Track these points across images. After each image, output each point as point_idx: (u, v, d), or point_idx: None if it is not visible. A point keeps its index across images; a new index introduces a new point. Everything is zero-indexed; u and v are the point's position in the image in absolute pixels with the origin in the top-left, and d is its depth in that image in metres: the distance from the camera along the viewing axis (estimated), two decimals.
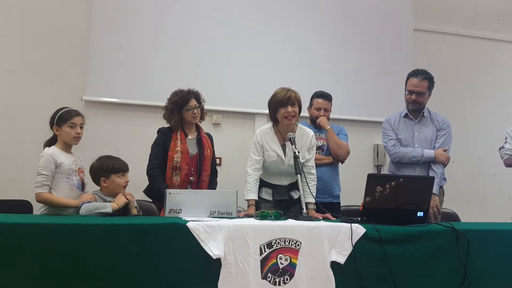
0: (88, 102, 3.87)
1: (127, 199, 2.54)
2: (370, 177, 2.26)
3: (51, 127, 2.75)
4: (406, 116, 3.40)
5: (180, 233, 1.97)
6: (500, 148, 3.65)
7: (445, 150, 3.28)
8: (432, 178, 2.47)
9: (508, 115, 4.09)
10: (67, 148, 2.76)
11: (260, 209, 2.80)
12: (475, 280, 2.20)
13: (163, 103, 3.17)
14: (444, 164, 3.27)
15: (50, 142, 2.76)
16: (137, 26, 4.02)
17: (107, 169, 2.61)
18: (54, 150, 2.68)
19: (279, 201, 2.94)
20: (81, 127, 2.77)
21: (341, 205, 3.48)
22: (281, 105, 2.79)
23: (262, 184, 2.94)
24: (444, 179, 3.33)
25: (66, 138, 2.73)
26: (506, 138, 3.64)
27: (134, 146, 3.62)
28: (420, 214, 2.31)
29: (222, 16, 4.20)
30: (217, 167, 3.38)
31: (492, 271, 2.26)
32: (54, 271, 1.82)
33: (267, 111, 2.94)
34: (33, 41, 3.88)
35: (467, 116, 4.77)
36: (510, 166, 3.62)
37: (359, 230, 2.13)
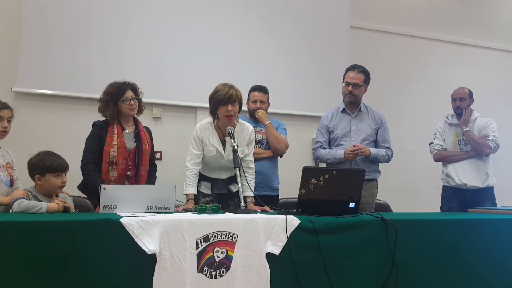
0: (19, 94, 3.68)
1: (65, 206, 2.37)
2: (305, 170, 2.33)
3: None
4: (343, 111, 3.49)
5: (114, 229, 1.94)
6: (430, 144, 3.88)
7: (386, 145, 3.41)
8: (363, 171, 2.56)
9: (438, 111, 4.30)
10: None
11: (199, 203, 2.80)
12: (403, 267, 2.32)
13: (98, 95, 3.07)
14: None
15: None
16: (71, 13, 3.84)
17: (43, 167, 2.45)
18: None
19: (218, 194, 2.96)
20: (9, 121, 2.61)
21: (280, 197, 3.54)
22: (222, 104, 2.78)
23: (201, 178, 2.94)
24: (378, 171, 3.47)
25: None
26: (435, 134, 3.87)
27: (68, 140, 3.50)
28: (352, 205, 2.41)
29: (162, 8, 4.12)
30: (158, 162, 3.33)
31: (419, 258, 2.39)
32: None
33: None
34: None
35: (400, 111, 4.97)
36: (438, 160, 3.85)
37: (294, 221, 2.20)
